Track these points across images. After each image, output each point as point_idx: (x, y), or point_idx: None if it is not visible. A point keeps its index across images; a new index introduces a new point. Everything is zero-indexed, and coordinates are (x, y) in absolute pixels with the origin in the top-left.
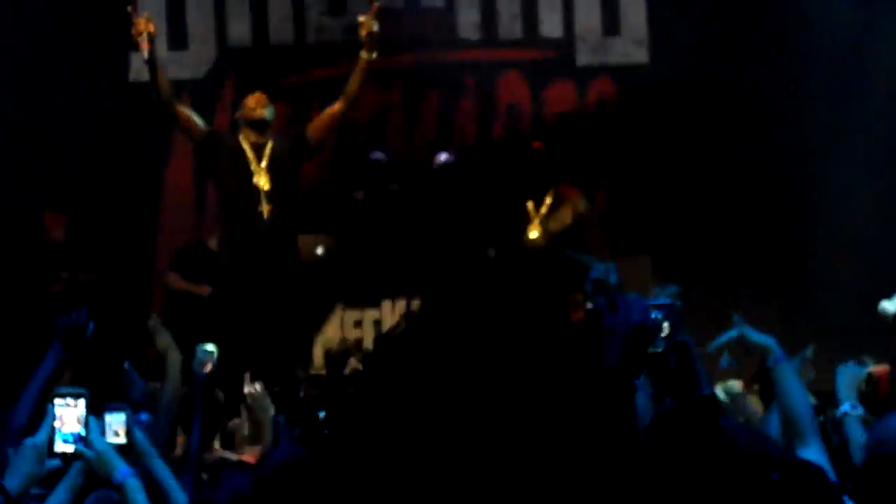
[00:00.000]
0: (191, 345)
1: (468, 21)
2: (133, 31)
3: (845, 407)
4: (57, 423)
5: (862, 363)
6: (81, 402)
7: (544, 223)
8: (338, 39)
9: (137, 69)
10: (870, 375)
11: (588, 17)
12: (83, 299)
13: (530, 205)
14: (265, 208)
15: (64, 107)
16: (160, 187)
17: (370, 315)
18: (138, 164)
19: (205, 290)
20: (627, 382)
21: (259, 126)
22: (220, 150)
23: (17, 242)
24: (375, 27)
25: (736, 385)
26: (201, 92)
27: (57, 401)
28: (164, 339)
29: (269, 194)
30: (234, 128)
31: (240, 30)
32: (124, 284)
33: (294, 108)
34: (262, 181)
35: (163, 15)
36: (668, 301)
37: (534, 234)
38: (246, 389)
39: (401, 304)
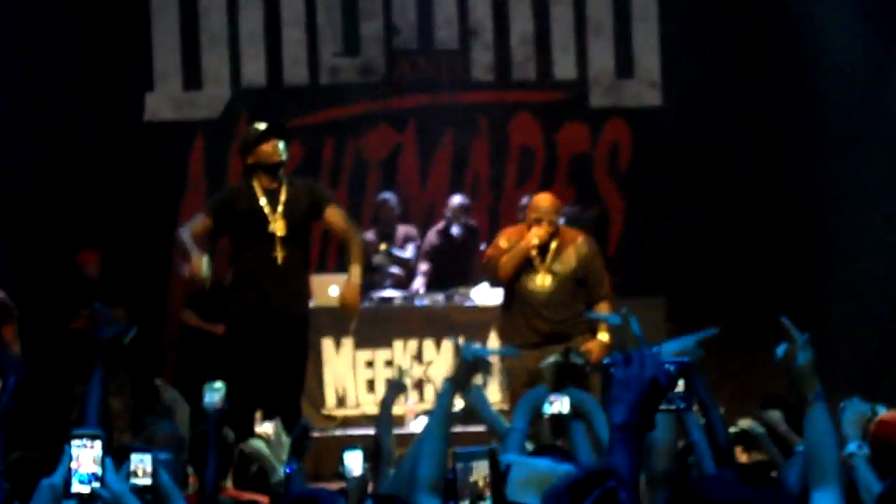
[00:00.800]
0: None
1: (482, 62)
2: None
3: (852, 447)
4: (74, 465)
5: (866, 401)
6: (98, 444)
7: (550, 268)
8: (351, 80)
9: (152, 109)
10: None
11: (601, 59)
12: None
13: (534, 252)
14: (279, 254)
15: (84, 147)
16: (174, 225)
17: (382, 355)
18: (155, 201)
19: (219, 329)
20: (636, 436)
21: (274, 170)
22: (234, 207)
23: (51, 279)
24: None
25: (776, 416)
26: (215, 131)
27: (74, 441)
28: (171, 395)
29: (284, 240)
30: (250, 171)
31: (254, 70)
32: (141, 321)
33: (307, 148)
34: (278, 228)
35: (178, 54)
36: (684, 359)
37: (541, 280)
38: (258, 429)
39: (412, 345)
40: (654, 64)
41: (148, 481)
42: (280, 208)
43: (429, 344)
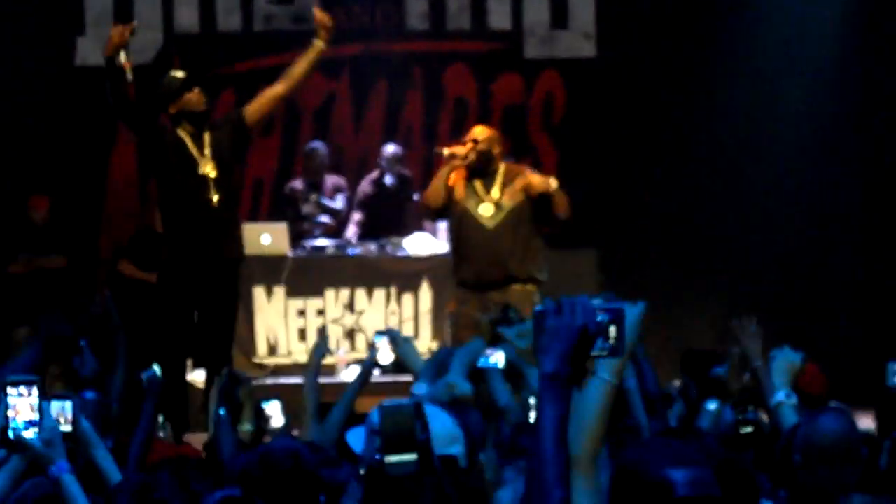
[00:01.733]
0: (139, 332)
1: (417, 11)
2: (113, 33)
3: (780, 396)
4: (11, 412)
5: (797, 350)
6: (35, 390)
7: (497, 201)
8: (285, 28)
9: (83, 55)
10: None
11: (537, 10)
12: (43, 283)
13: (479, 183)
14: (214, 196)
15: (10, 91)
16: (105, 173)
17: (313, 304)
18: (85, 149)
19: (153, 277)
20: (564, 386)
21: (201, 119)
22: (163, 142)
23: None
24: (329, 21)
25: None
26: (147, 77)
27: (9, 389)
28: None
29: (217, 182)
30: (174, 120)
31: (187, 16)
32: (73, 268)
33: (240, 96)
34: (209, 169)
35: (110, 0)
36: (617, 305)
37: (485, 210)
38: (189, 377)
39: (344, 294)
40: (589, 16)
41: (69, 428)
42: (207, 151)
43: (361, 293)
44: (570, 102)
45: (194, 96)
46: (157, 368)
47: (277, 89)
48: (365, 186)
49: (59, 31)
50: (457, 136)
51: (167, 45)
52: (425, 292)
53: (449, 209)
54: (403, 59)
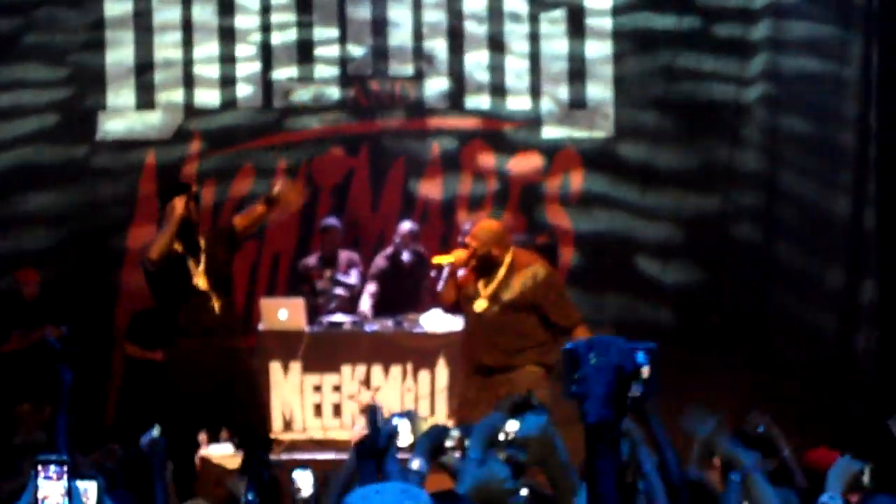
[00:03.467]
0: (151, 410)
1: (436, 89)
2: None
3: (824, 497)
4: (40, 494)
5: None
6: (64, 471)
7: (494, 294)
8: (305, 104)
9: (104, 129)
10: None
11: (555, 89)
12: (41, 356)
13: (481, 280)
14: (216, 304)
15: (34, 164)
16: (123, 251)
17: (330, 380)
18: (104, 226)
19: (158, 355)
20: (612, 433)
21: (192, 228)
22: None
23: None
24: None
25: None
26: (167, 151)
27: (39, 468)
28: None
29: (213, 292)
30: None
31: (207, 92)
32: (86, 346)
33: (259, 170)
34: (202, 282)
35: (132, 75)
36: (650, 345)
37: (479, 306)
38: (202, 452)
39: (361, 370)
40: (607, 96)
41: None
42: (202, 266)
43: (377, 370)
44: (587, 180)
45: (183, 205)
46: (155, 431)
47: (260, 209)
48: (379, 261)
49: (82, 105)
50: (473, 213)
51: (187, 119)
52: (441, 369)
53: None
54: (422, 136)
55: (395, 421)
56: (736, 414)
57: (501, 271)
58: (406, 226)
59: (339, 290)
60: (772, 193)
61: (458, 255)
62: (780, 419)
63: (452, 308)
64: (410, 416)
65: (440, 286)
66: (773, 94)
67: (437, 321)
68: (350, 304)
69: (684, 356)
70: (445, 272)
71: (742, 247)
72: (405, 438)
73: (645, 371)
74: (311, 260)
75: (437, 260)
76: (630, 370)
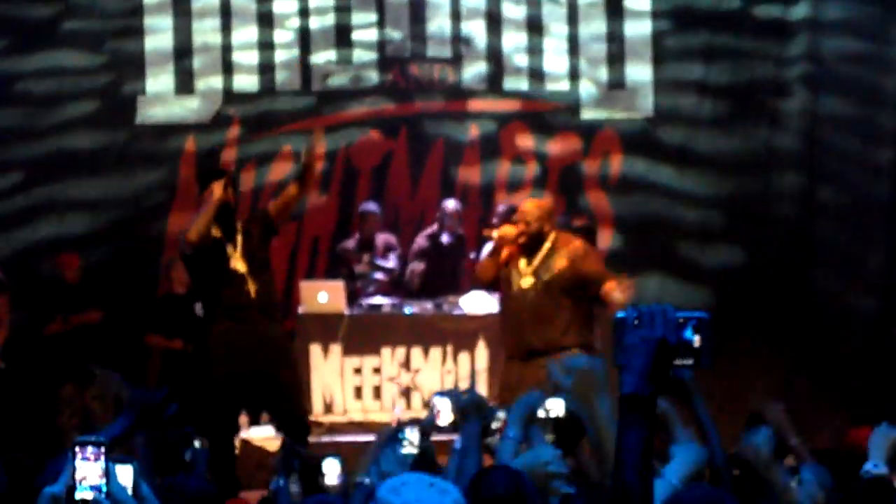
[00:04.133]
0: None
1: (474, 71)
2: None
3: (867, 465)
4: (78, 474)
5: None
6: (102, 453)
7: (536, 272)
8: (343, 87)
9: (143, 115)
10: None
11: (594, 70)
12: (82, 339)
13: (524, 258)
14: (251, 288)
15: (74, 150)
16: (163, 235)
17: (370, 362)
18: (144, 211)
19: (178, 343)
20: (646, 407)
21: (230, 213)
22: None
23: (32, 283)
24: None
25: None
26: (206, 134)
27: (77, 450)
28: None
29: (250, 274)
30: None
31: (246, 76)
32: (126, 330)
33: (297, 156)
34: (240, 265)
35: (170, 60)
36: (701, 314)
37: (525, 282)
38: (245, 435)
39: (400, 352)
40: (646, 75)
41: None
42: (239, 249)
43: (417, 352)
44: (626, 162)
45: (221, 189)
46: (197, 443)
47: (292, 191)
48: (420, 241)
49: (121, 91)
50: (512, 194)
51: (226, 104)
52: (481, 351)
53: (498, 282)
54: (460, 118)
55: (436, 400)
56: (776, 396)
57: (545, 250)
58: (451, 204)
59: (378, 275)
60: (812, 175)
61: (508, 230)
62: (822, 399)
63: (487, 287)
64: (452, 394)
65: (481, 263)
66: (814, 75)
67: (477, 303)
68: (390, 288)
69: (725, 339)
70: (486, 250)
71: (782, 228)
72: (445, 417)
73: (696, 340)
74: (350, 243)
75: (487, 232)
76: (674, 342)
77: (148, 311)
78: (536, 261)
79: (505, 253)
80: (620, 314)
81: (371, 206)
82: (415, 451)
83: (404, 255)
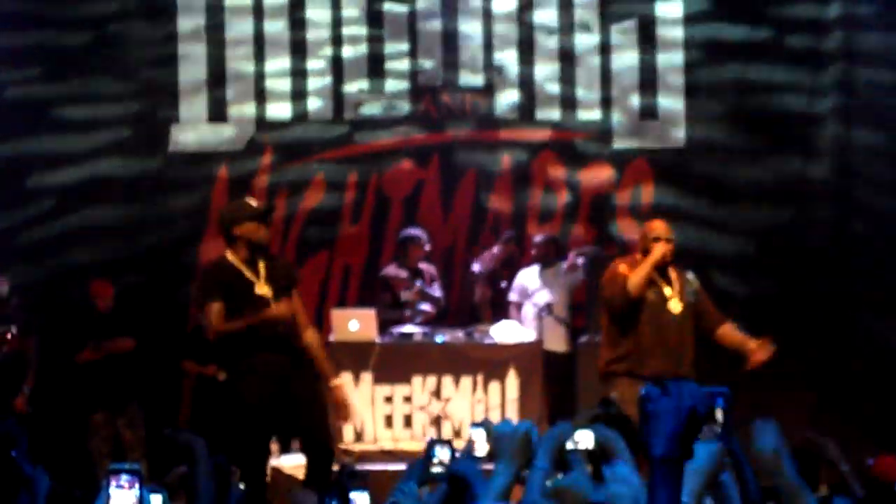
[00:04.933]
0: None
1: (506, 101)
2: None
3: None
4: (112, 502)
5: None
6: (136, 481)
7: (680, 295)
8: (375, 116)
9: (176, 142)
10: None
11: (625, 100)
12: (114, 367)
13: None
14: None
15: (107, 177)
16: (195, 263)
17: (401, 391)
18: (176, 238)
19: (211, 370)
20: (675, 469)
21: (258, 249)
22: (221, 279)
23: (65, 311)
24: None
25: None
26: (239, 163)
27: (112, 478)
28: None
29: (276, 300)
30: (229, 240)
31: (279, 104)
32: (160, 356)
33: (329, 184)
34: (265, 291)
35: (203, 88)
36: (724, 389)
37: (674, 306)
38: (276, 462)
39: (431, 381)
40: (678, 105)
41: None
42: (262, 273)
43: (447, 380)
44: (658, 192)
45: (262, 231)
46: (241, 486)
47: (308, 321)
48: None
49: (155, 118)
50: (543, 224)
51: (259, 132)
52: (512, 380)
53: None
54: (492, 147)
55: (472, 431)
56: (806, 430)
57: (675, 274)
58: (476, 268)
59: (425, 306)
60: (845, 205)
61: (666, 250)
62: (855, 436)
63: (628, 304)
64: (486, 425)
65: (633, 278)
66: (846, 105)
67: (508, 332)
68: (434, 318)
69: (757, 369)
70: (645, 264)
71: (816, 259)
72: (481, 448)
73: (718, 415)
74: (391, 270)
75: (658, 253)
76: (704, 412)
77: (181, 341)
78: (676, 284)
79: (627, 268)
80: (643, 391)
81: (416, 232)
82: (442, 469)
83: (444, 285)
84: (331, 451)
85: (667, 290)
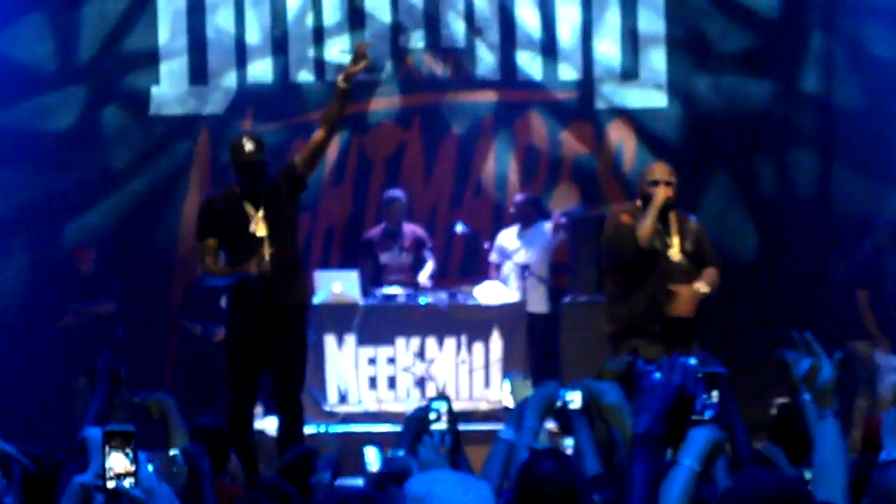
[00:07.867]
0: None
1: (487, 62)
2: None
3: (883, 455)
4: (107, 463)
5: None
6: (131, 441)
7: (682, 245)
8: (357, 78)
9: (157, 104)
10: None
11: (607, 60)
12: (95, 332)
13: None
14: (267, 251)
15: (88, 138)
16: (178, 221)
17: (384, 352)
18: (159, 197)
19: (219, 336)
20: (657, 448)
21: (256, 175)
22: (215, 215)
23: (46, 273)
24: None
25: None
26: (220, 127)
27: (106, 439)
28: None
29: (270, 238)
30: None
31: (260, 68)
32: (143, 318)
33: None
34: (260, 228)
35: (184, 51)
36: (719, 369)
37: (675, 254)
38: (257, 424)
39: (415, 343)
40: (660, 66)
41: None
42: (262, 211)
43: (431, 342)
44: (640, 151)
45: (250, 145)
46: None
47: (319, 136)
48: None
49: (135, 81)
50: (526, 185)
51: (240, 95)
52: (496, 341)
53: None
54: (474, 109)
55: (504, 382)
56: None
57: (674, 219)
58: (459, 229)
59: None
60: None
61: (669, 193)
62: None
63: (641, 254)
64: (511, 377)
65: (642, 226)
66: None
67: (491, 293)
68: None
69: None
70: (651, 212)
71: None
72: (507, 400)
73: (714, 395)
74: (375, 232)
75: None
76: (691, 392)
77: (183, 298)
78: (673, 231)
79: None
80: (640, 367)
81: (397, 193)
82: (445, 426)
83: (433, 247)
84: (300, 416)
85: (667, 239)
